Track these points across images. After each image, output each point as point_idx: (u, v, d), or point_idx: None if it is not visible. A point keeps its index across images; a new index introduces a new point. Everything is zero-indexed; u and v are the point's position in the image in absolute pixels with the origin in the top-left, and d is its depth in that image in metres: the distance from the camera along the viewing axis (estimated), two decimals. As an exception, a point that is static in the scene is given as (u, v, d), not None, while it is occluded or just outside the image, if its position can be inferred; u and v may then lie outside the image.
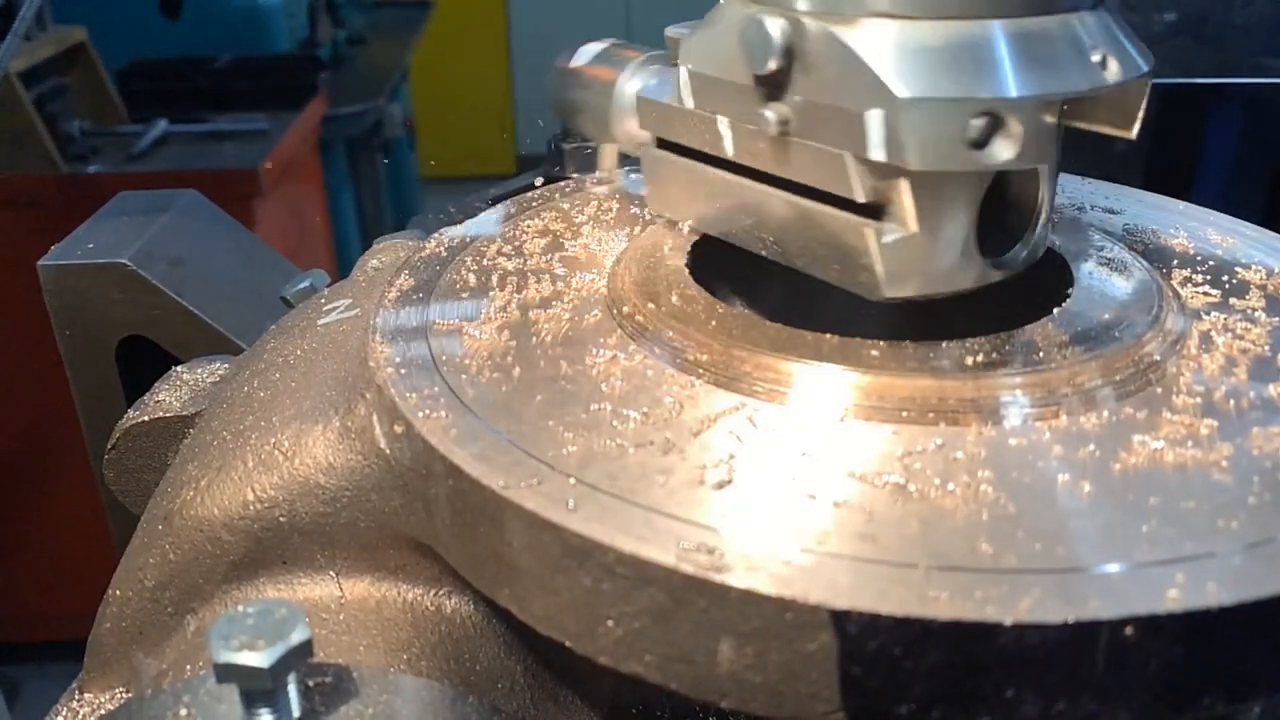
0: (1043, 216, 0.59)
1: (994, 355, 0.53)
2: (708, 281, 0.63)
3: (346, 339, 0.67)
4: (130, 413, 0.76)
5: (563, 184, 0.82)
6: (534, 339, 0.58)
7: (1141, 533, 0.42)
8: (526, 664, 0.61)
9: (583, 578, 0.43)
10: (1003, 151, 0.50)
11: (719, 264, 0.69)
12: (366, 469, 0.57)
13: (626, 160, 1.14)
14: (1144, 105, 0.52)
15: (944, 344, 0.54)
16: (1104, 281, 0.61)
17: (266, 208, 2.73)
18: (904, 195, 0.53)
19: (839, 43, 0.51)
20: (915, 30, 0.50)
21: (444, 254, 0.69)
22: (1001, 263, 0.58)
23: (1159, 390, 0.52)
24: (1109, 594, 0.39)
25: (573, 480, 0.46)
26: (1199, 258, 0.67)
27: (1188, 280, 0.63)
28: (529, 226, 0.73)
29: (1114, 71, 0.51)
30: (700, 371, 0.53)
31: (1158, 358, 0.54)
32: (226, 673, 0.42)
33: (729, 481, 0.46)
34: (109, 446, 0.76)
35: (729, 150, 0.60)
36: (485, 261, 0.67)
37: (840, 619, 0.39)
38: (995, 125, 0.50)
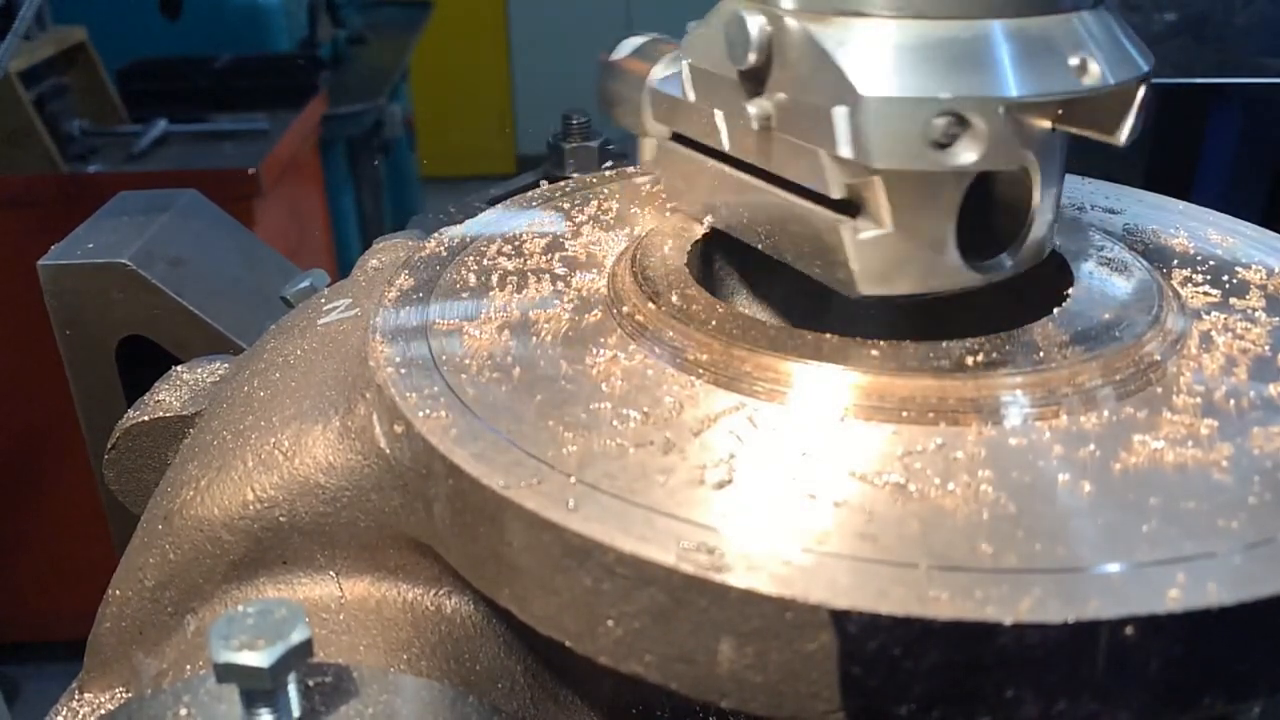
0: (1035, 222, 0.58)
1: (994, 355, 0.53)
2: (720, 274, 0.63)
3: (346, 339, 0.67)
4: (130, 413, 0.76)
5: (562, 184, 0.82)
6: (534, 339, 0.58)
7: (1142, 533, 0.42)
8: (526, 664, 0.61)
9: (583, 577, 0.43)
10: (966, 153, 0.51)
11: (733, 258, 0.69)
12: (366, 469, 0.57)
13: (609, 157, 1.15)
14: (1135, 111, 0.52)
15: (944, 344, 0.54)
16: (1104, 281, 0.61)
17: (266, 208, 2.73)
18: (878, 193, 0.54)
19: (812, 39, 0.52)
20: (884, 29, 0.51)
21: (444, 254, 0.69)
22: (986, 267, 0.58)
23: (1159, 390, 0.52)
24: (1109, 594, 0.39)
25: (573, 480, 0.46)
26: (1199, 258, 0.67)
27: (1188, 280, 0.63)
28: (529, 226, 0.73)
29: (1094, 76, 0.51)
30: (700, 371, 0.53)
31: (1158, 357, 0.54)
32: (226, 672, 0.42)
33: (729, 481, 0.46)
34: (109, 446, 0.76)
35: (725, 144, 0.61)
36: (485, 261, 0.67)
37: (840, 619, 0.39)
38: (962, 126, 0.50)
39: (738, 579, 0.40)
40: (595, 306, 0.61)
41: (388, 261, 0.79)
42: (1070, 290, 0.60)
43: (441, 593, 0.61)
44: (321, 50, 3.81)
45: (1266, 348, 0.56)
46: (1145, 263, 0.64)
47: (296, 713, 0.44)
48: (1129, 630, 0.38)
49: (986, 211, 0.60)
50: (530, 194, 0.80)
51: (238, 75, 3.24)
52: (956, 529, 0.43)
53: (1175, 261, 0.66)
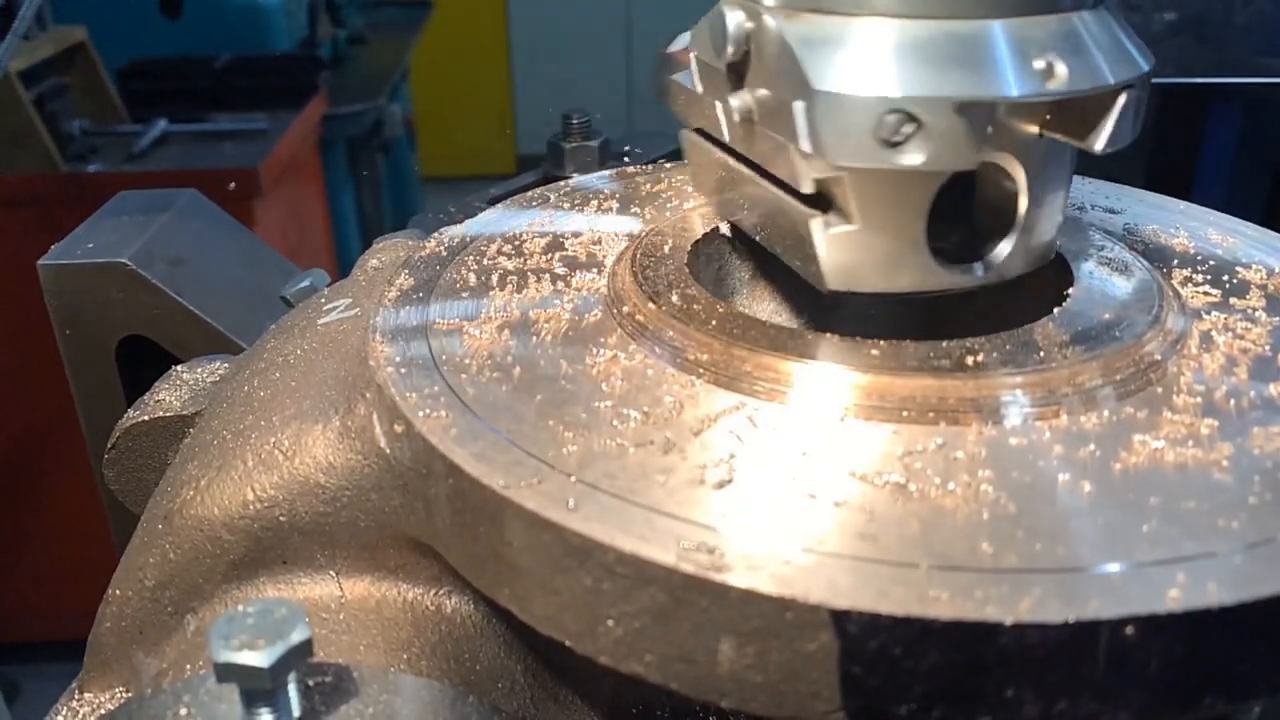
0: (1023, 227, 0.57)
1: (994, 355, 0.53)
2: (720, 274, 0.63)
3: (346, 338, 0.67)
4: (130, 412, 0.76)
5: (561, 183, 0.82)
6: (534, 338, 0.58)
7: (1142, 532, 0.42)
8: (527, 664, 0.61)
9: (583, 577, 0.43)
10: (917, 153, 0.51)
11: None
12: (366, 468, 0.57)
13: (609, 157, 1.15)
14: (1114, 119, 0.51)
15: (944, 343, 0.54)
16: (1104, 281, 0.61)
17: (266, 208, 2.73)
18: (846, 189, 0.54)
19: (779, 35, 0.53)
20: (846, 26, 0.52)
21: (444, 253, 0.69)
22: (966, 271, 0.58)
23: (1159, 390, 0.52)
24: (1109, 594, 0.39)
25: (573, 479, 0.46)
26: (1199, 257, 0.67)
27: (1188, 280, 0.63)
28: (529, 226, 0.73)
29: (1060, 80, 0.50)
30: (700, 371, 0.53)
31: (1158, 357, 0.54)
32: (226, 672, 0.42)
33: (729, 481, 0.46)
34: (109, 446, 0.76)
35: (726, 135, 0.62)
36: (485, 261, 0.67)
37: (840, 619, 0.39)
38: (915, 125, 0.50)
39: (738, 579, 0.40)
40: (595, 306, 0.61)
41: (388, 261, 0.79)
42: (1070, 290, 0.60)
43: (441, 593, 0.61)
44: (321, 50, 3.81)
45: (1267, 347, 0.56)
46: (1145, 262, 0.64)
47: (296, 712, 0.44)
48: (1129, 630, 0.38)
49: (978, 214, 0.60)
50: (530, 193, 0.80)
51: (238, 75, 3.24)
52: (956, 529, 0.42)
53: (1175, 261, 0.66)
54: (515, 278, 0.65)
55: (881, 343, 0.53)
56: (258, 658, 0.42)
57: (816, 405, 0.51)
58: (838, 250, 0.56)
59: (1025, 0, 0.51)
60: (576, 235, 0.71)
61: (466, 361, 0.55)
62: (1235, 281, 0.63)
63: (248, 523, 0.60)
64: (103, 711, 0.65)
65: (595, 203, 0.76)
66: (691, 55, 0.64)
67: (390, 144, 4.11)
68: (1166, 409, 0.50)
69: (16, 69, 2.49)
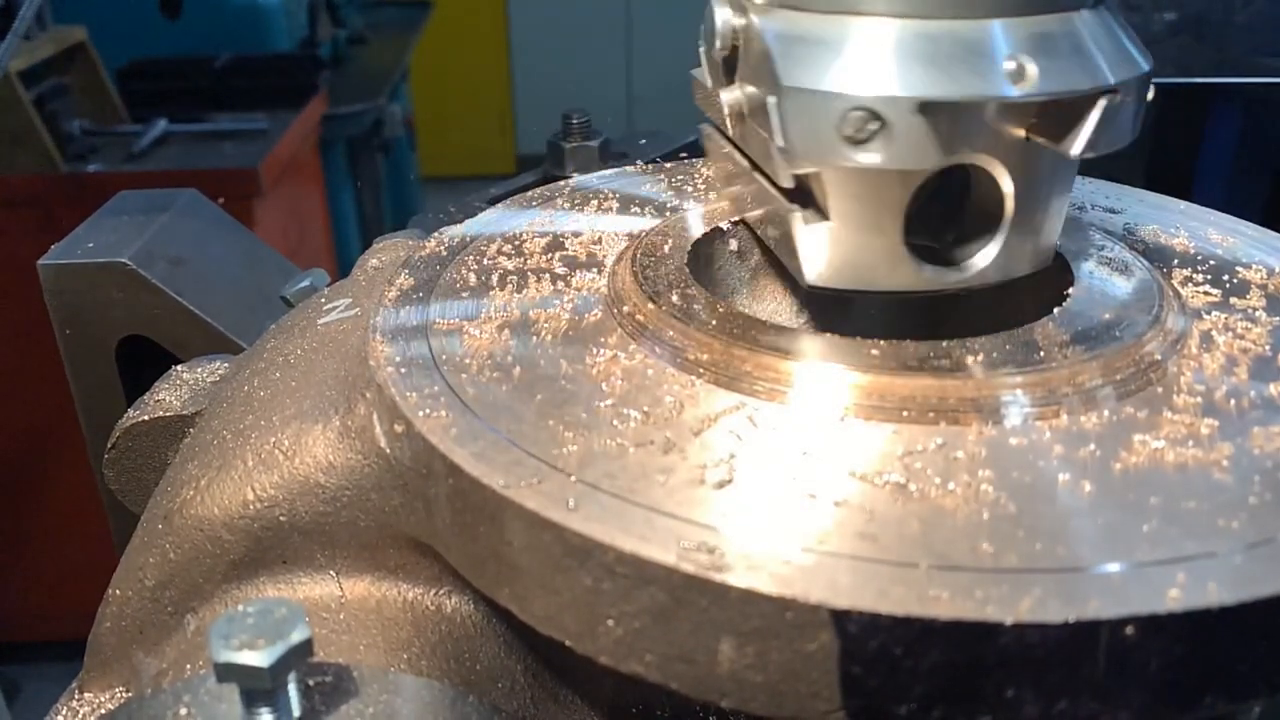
0: (1006, 234, 0.56)
1: (994, 354, 0.53)
2: (720, 274, 0.64)
3: (346, 338, 0.67)
4: (130, 412, 0.76)
5: (562, 183, 0.82)
6: (534, 338, 0.58)
7: (1142, 532, 0.42)
8: (527, 663, 0.61)
9: (583, 577, 0.43)
10: (876, 152, 0.51)
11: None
12: (366, 468, 0.57)
13: (609, 157, 1.15)
14: (1092, 123, 0.51)
15: (944, 343, 0.54)
16: (1105, 281, 0.61)
17: (266, 208, 2.73)
18: (822, 185, 0.55)
19: (758, 31, 0.54)
20: (815, 23, 0.52)
21: (444, 253, 0.69)
22: (949, 272, 0.57)
23: (1160, 390, 0.52)
24: (1109, 594, 0.39)
25: (573, 479, 0.46)
26: (1199, 257, 0.67)
27: (1188, 280, 0.63)
28: (529, 226, 0.73)
29: (1029, 82, 0.50)
30: (701, 371, 0.53)
31: (1158, 357, 0.54)
32: (226, 672, 0.42)
33: (729, 481, 0.46)
34: (109, 446, 0.76)
35: (730, 129, 0.62)
36: (485, 261, 0.67)
37: (841, 618, 0.39)
38: (879, 123, 0.50)
39: (738, 579, 0.40)
40: (595, 306, 0.61)
41: (388, 261, 0.79)
42: (1071, 290, 0.60)
43: (442, 592, 0.61)
44: (321, 50, 3.81)
45: (1267, 347, 0.56)
46: (1146, 262, 0.64)
47: (296, 712, 0.44)
48: (1129, 630, 0.38)
49: (969, 215, 0.60)
50: (530, 193, 0.80)
51: (238, 75, 3.24)
52: (957, 529, 0.42)
53: (1176, 261, 0.66)
54: (515, 278, 0.65)
55: (881, 343, 0.53)
56: (258, 658, 0.42)
57: (816, 405, 0.51)
58: (815, 246, 0.57)
59: (1002, 1, 0.51)
60: (576, 235, 0.71)
61: (466, 361, 0.55)
62: (1235, 281, 0.63)
63: (248, 522, 0.60)
64: (103, 711, 0.65)
65: (595, 203, 0.76)
66: (702, 50, 0.64)
67: (390, 144, 4.11)
68: (1167, 409, 0.50)
69: (16, 69, 2.49)
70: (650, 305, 0.58)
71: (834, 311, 0.71)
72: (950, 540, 0.42)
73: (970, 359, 0.52)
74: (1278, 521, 0.43)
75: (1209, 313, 0.59)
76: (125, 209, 1.05)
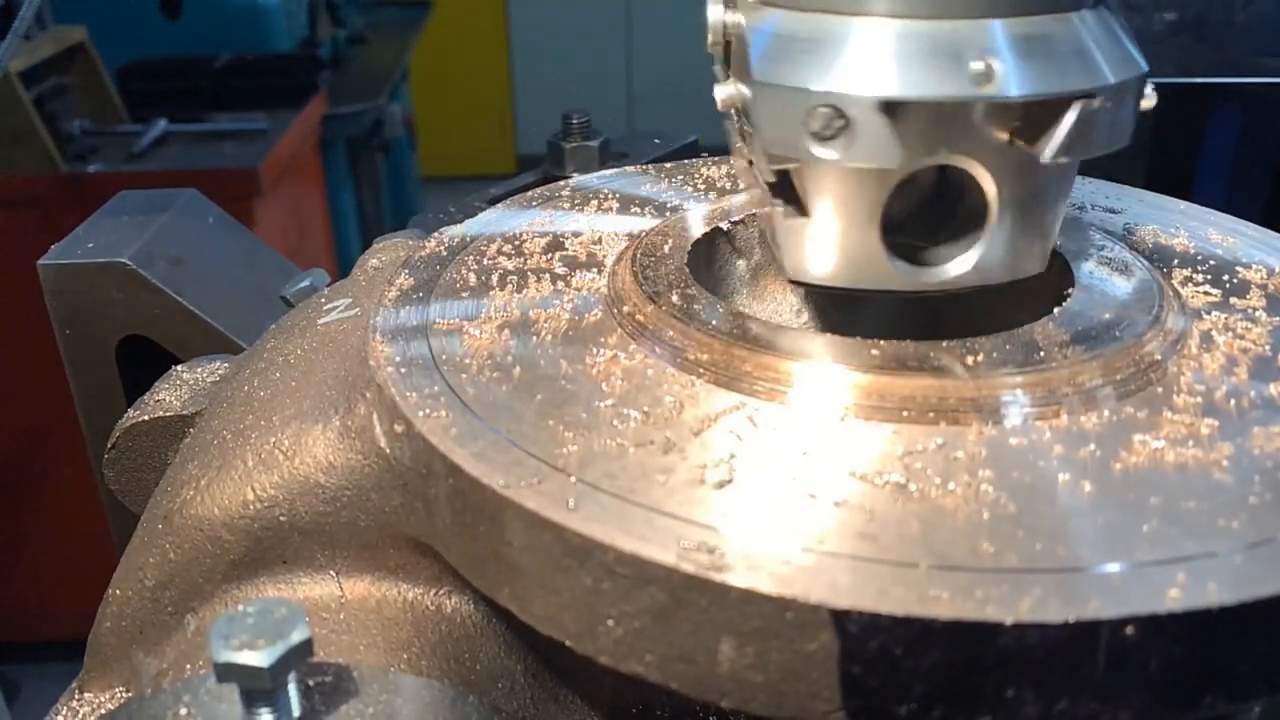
0: (989, 239, 0.55)
1: (994, 355, 0.53)
2: (720, 274, 0.63)
3: (346, 338, 0.67)
4: (130, 412, 0.76)
5: (562, 183, 0.82)
6: (534, 338, 0.58)
7: (1142, 532, 0.42)
8: (527, 663, 0.61)
9: (583, 577, 0.43)
10: (836, 149, 0.51)
11: None
12: (367, 468, 0.57)
13: (609, 157, 1.15)
14: (1065, 128, 0.50)
15: (944, 343, 0.54)
16: (1105, 281, 0.61)
17: (266, 207, 2.73)
18: (801, 181, 0.55)
19: (740, 27, 0.55)
20: (791, 21, 0.52)
21: (444, 253, 0.69)
22: (928, 274, 0.57)
23: (1160, 390, 0.52)
24: (1110, 594, 0.39)
25: (573, 479, 0.46)
26: (1199, 257, 0.67)
27: (1188, 280, 0.63)
28: (529, 226, 0.73)
29: (996, 84, 0.49)
30: (701, 371, 0.53)
31: (1158, 357, 0.54)
32: (226, 672, 0.42)
33: (729, 481, 0.46)
34: (109, 446, 0.76)
35: (733, 125, 0.63)
36: (485, 261, 0.67)
37: (841, 618, 0.39)
38: (844, 120, 0.50)
39: (738, 579, 0.40)
40: (595, 306, 0.61)
41: (388, 261, 0.79)
42: (1071, 290, 0.60)
43: (442, 592, 0.61)
44: (321, 50, 3.81)
45: (1267, 347, 0.56)
46: (1146, 262, 0.64)
47: (296, 712, 0.44)
48: (1129, 630, 0.38)
49: (960, 217, 0.59)
50: (530, 193, 0.80)
51: (238, 75, 3.24)
52: (957, 529, 0.42)
53: (1176, 261, 0.66)
54: (515, 277, 0.65)
55: (881, 343, 0.53)
56: (258, 657, 0.42)
57: (817, 405, 0.51)
58: (795, 242, 0.57)
59: (980, 2, 0.50)
60: (576, 235, 0.71)
61: (466, 361, 0.55)
62: (1235, 281, 0.63)
63: (248, 522, 0.60)
64: (103, 711, 0.65)
65: (595, 202, 0.76)
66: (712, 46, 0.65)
67: (390, 144, 4.11)
68: (1167, 409, 0.50)
69: (16, 69, 2.49)
70: (650, 305, 0.58)
71: (834, 311, 0.71)
72: (950, 540, 0.42)
73: (970, 358, 0.52)
74: (1278, 521, 0.43)
75: (1209, 313, 0.59)
76: (125, 209, 1.05)
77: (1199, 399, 0.51)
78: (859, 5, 0.50)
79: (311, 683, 0.46)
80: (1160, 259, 0.66)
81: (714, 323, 0.56)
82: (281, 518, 0.59)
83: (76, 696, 0.67)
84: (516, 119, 6.77)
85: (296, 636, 0.43)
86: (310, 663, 0.45)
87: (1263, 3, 2.59)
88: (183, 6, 3.38)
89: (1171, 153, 2.83)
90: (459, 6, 6.11)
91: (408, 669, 0.57)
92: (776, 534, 0.42)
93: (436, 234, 0.73)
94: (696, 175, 0.81)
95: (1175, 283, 0.62)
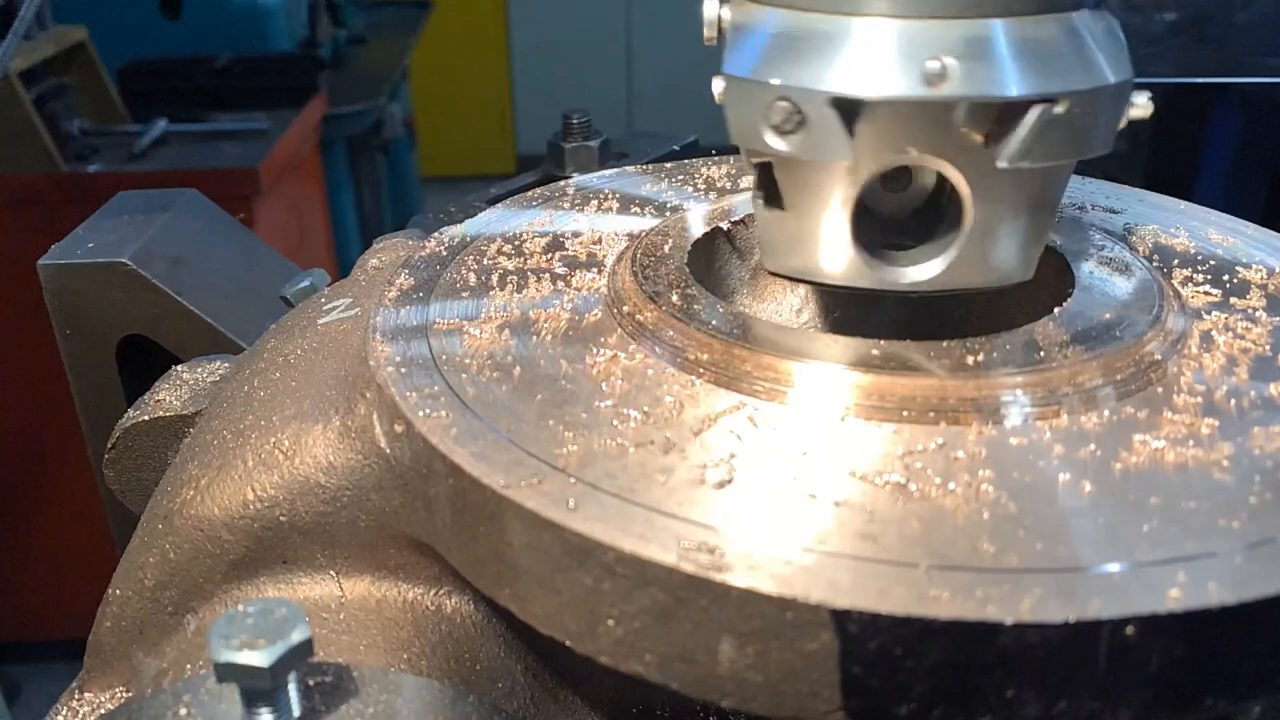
0: (964, 242, 0.54)
1: (995, 354, 0.53)
2: (720, 274, 0.63)
3: (346, 338, 0.67)
4: (130, 412, 0.76)
5: (562, 183, 0.82)
6: (534, 338, 0.58)
7: (1142, 532, 0.42)
8: (527, 663, 0.61)
9: (583, 577, 0.43)
10: (793, 143, 0.52)
11: None
12: (367, 468, 0.57)
13: (609, 157, 1.14)
14: (1025, 132, 0.49)
15: (944, 343, 0.54)
16: (1105, 281, 0.61)
17: (266, 207, 2.73)
18: (776, 173, 0.56)
19: (725, 21, 0.56)
20: (763, 16, 0.53)
21: (444, 253, 0.69)
22: (901, 273, 0.56)
23: (1160, 390, 0.52)
24: (1110, 593, 0.39)
25: (573, 479, 0.46)
26: (1200, 257, 0.67)
27: (1188, 280, 0.63)
28: (529, 226, 0.73)
29: (949, 83, 0.48)
30: (701, 371, 0.53)
31: (1159, 357, 0.54)
32: (226, 672, 0.42)
33: (729, 481, 0.46)
34: (109, 446, 0.76)
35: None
36: (485, 261, 0.67)
37: (841, 618, 0.39)
38: (802, 116, 0.51)
39: (738, 578, 0.40)
40: (595, 306, 0.61)
41: (388, 261, 0.79)
42: (1071, 289, 0.60)
43: (442, 592, 0.61)
44: (321, 50, 3.81)
45: (1267, 347, 0.56)
46: (1146, 262, 0.64)
47: (296, 712, 0.44)
48: (1130, 630, 0.38)
49: (944, 218, 0.59)
50: (531, 193, 0.80)
51: (238, 75, 3.24)
52: (957, 528, 0.42)
53: (1176, 261, 0.66)
54: (515, 277, 0.65)
55: (881, 343, 0.53)
56: (258, 657, 0.42)
57: (817, 405, 0.51)
58: (772, 233, 0.58)
59: (948, 2, 0.49)
60: (577, 235, 0.71)
61: (466, 361, 0.55)
62: (1235, 281, 0.63)
63: (248, 522, 0.60)
64: (103, 711, 0.65)
65: (595, 202, 0.76)
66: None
67: (390, 144, 4.11)
68: (1167, 409, 0.50)
69: (16, 69, 2.49)
70: (650, 305, 0.58)
71: (834, 311, 0.71)
72: (950, 540, 0.42)
73: (970, 358, 0.52)
74: (1278, 521, 0.43)
75: (1209, 313, 0.59)
76: (125, 209, 1.05)
77: (1199, 399, 0.51)
78: (830, 4, 0.51)
79: (311, 682, 0.46)
80: (1160, 259, 0.66)
81: (714, 323, 0.56)
82: (281, 518, 0.59)
83: (76, 696, 0.67)
84: (516, 119, 6.77)
85: (297, 636, 0.43)
86: (310, 663, 0.45)
87: (1263, 3, 2.59)
88: (183, 6, 3.38)
89: (1171, 153, 2.83)
90: (459, 6, 6.11)
91: (408, 669, 0.57)
92: (777, 534, 0.42)
93: (436, 234, 0.73)
94: (696, 175, 0.81)
95: (1175, 283, 0.62)
